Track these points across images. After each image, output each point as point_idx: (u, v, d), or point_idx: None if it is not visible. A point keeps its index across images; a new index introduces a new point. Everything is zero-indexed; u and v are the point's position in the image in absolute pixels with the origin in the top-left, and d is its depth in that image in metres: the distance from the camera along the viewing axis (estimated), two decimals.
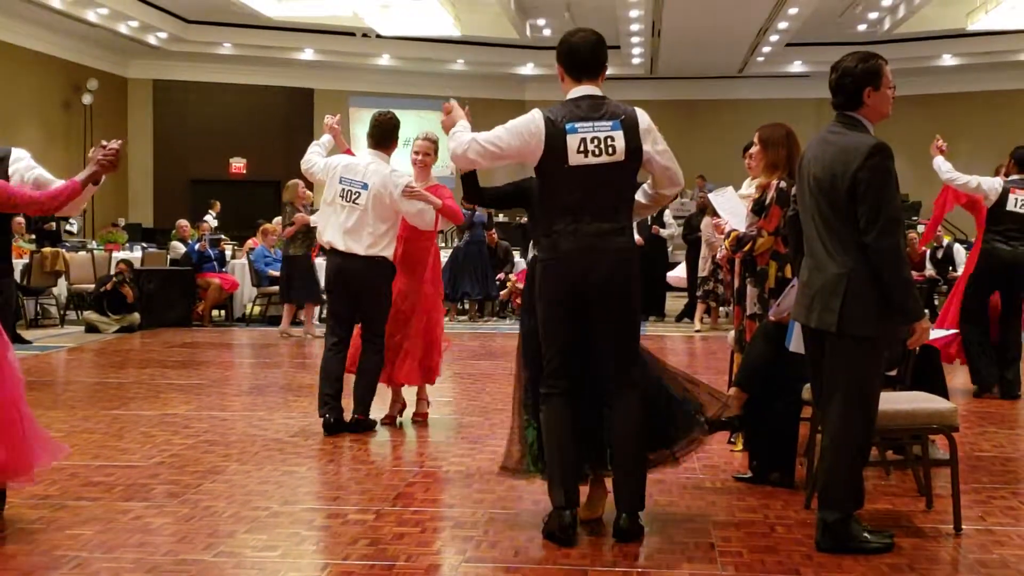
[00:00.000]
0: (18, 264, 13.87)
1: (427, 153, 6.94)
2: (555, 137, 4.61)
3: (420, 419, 7.44)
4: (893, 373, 5.39)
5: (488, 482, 5.72)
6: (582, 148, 4.57)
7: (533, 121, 4.69)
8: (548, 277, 4.69)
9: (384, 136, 6.96)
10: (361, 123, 22.95)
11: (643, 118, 4.67)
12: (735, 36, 21.55)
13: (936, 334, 5.66)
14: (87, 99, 21.73)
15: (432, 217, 6.74)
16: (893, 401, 4.88)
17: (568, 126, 4.61)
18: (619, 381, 4.70)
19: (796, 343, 4.93)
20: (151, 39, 21.94)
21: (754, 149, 6.11)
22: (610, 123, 4.59)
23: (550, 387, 4.70)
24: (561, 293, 4.65)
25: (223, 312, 15.28)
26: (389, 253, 6.89)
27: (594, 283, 4.58)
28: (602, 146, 4.57)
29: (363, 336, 7.03)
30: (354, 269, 6.82)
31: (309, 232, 12.31)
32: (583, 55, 4.72)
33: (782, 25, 20.42)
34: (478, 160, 4.79)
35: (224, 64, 23.91)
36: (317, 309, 13.34)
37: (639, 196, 4.92)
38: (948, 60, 22.89)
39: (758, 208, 5.97)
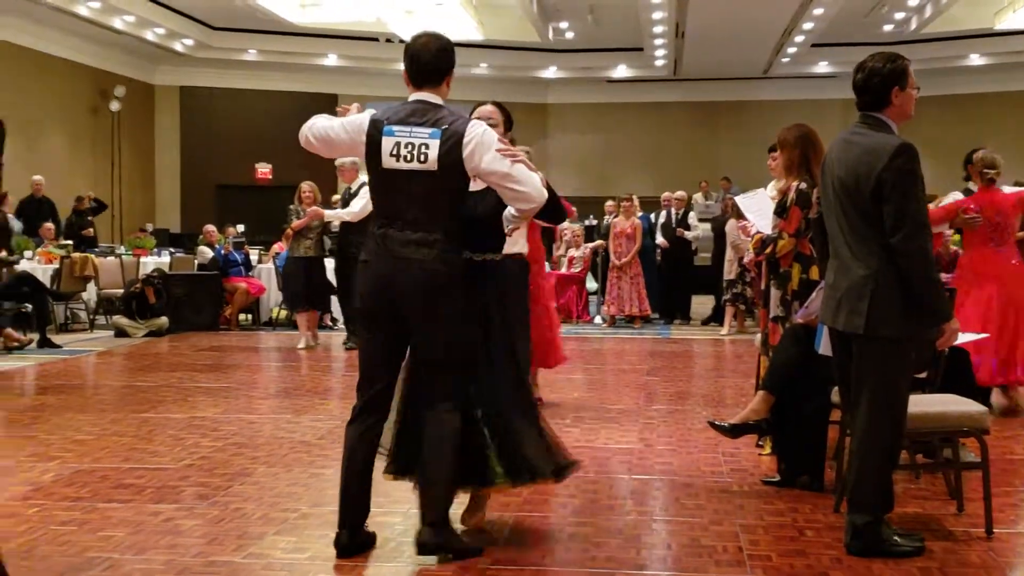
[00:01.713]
0: (48, 269, 14.00)
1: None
2: (373, 138, 4.50)
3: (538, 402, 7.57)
4: (923, 375, 5.36)
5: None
6: (395, 152, 4.44)
7: (360, 120, 4.59)
8: (361, 280, 4.61)
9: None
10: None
11: (472, 131, 4.43)
12: (760, 37, 21.47)
13: (965, 337, 5.61)
14: (114, 105, 21.86)
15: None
16: (923, 403, 4.85)
17: (386, 128, 4.49)
18: (430, 396, 4.55)
19: (825, 346, 4.92)
20: (177, 46, 22.06)
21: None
22: (429, 131, 4.43)
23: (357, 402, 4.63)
24: (371, 306, 4.56)
25: (250, 316, 15.35)
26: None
27: (401, 292, 4.45)
28: (415, 152, 4.42)
29: None
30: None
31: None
32: (422, 61, 4.57)
33: (807, 26, 20.34)
34: (313, 142, 4.67)
35: (249, 70, 24.02)
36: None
37: (506, 213, 4.64)
38: (975, 60, 22.74)
39: (779, 210, 5.98)
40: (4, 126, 3.34)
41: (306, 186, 12.18)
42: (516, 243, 6.22)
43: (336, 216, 11.62)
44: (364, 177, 4.71)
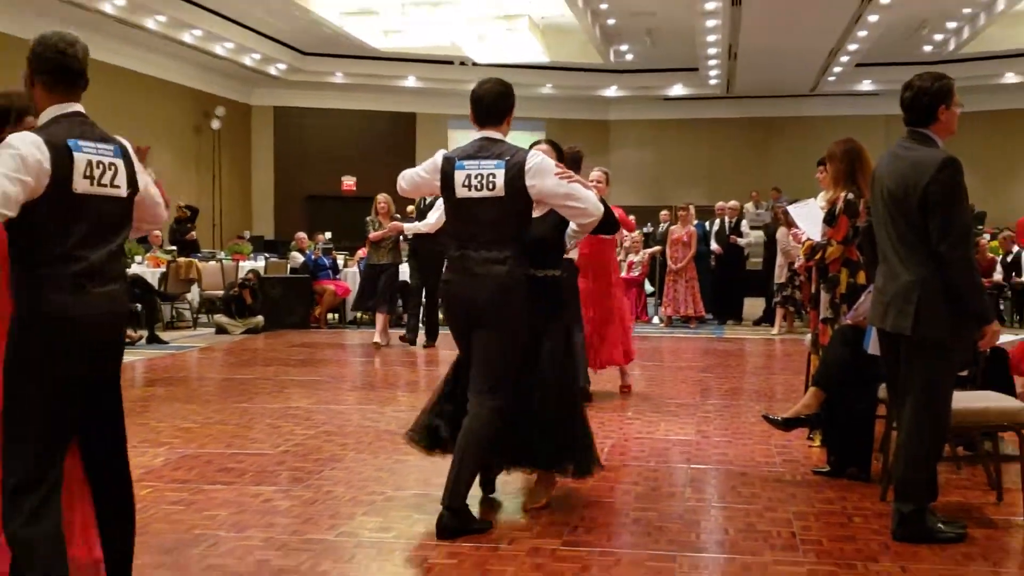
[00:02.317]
0: (155, 272, 14.24)
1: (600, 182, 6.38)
2: (447, 173, 4.73)
3: (626, 391, 8.52)
4: (965, 373, 5.29)
5: None
6: (466, 183, 4.66)
7: (435, 160, 4.83)
8: (444, 301, 4.93)
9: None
10: (457, 143, 23.12)
11: (532, 160, 4.65)
12: (807, 57, 21.27)
13: (1005, 338, 5.53)
14: (215, 124, 22.19)
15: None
16: (965, 400, 4.79)
17: (457, 163, 4.72)
18: (478, 387, 4.68)
19: (874, 346, 4.87)
20: (272, 70, 22.35)
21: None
22: (495, 162, 4.64)
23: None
24: (453, 316, 4.84)
25: (337, 315, 15.49)
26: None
27: (476, 304, 4.66)
28: (484, 181, 4.63)
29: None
30: None
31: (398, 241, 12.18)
32: (484, 104, 4.78)
33: (852, 47, 20.12)
34: (405, 187, 5.03)
35: (336, 91, 24.25)
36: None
37: (568, 230, 5.04)
38: (1011, 78, 22.36)
39: (829, 218, 5.95)
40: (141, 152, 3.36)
41: (381, 198, 12.24)
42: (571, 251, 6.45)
43: (414, 228, 11.63)
44: (404, 185, 5.10)
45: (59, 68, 3.29)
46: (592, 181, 6.40)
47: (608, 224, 5.05)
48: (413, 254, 12.00)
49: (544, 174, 4.62)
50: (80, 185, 3.19)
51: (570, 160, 5.88)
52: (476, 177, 4.66)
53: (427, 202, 11.57)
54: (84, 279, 3.20)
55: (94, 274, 3.23)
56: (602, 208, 4.81)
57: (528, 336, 4.81)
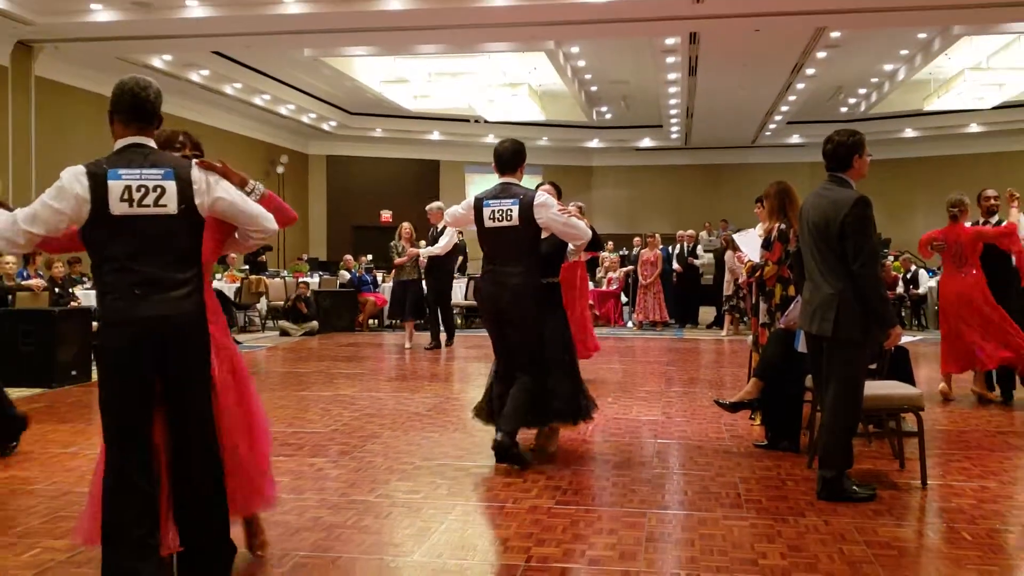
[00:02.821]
0: (232, 287, 14.25)
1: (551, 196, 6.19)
2: (478, 209, 5.20)
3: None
4: (874, 367, 5.27)
5: (570, 447, 5.71)
6: (492, 216, 5.12)
7: (469, 201, 5.31)
8: (478, 301, 5.34)
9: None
10: (474, 185, 23.15)
11: (539, 198, 5.08)
12: (748, 116, 21.30)
13: (906, 338, 5.49)
14: (280, 170, 22.21)
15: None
16: (874, 388, 4.77)
17: (485, 202, 5.17)
18: (515, 368, 5.15)
19: (802, 345, 4.86)
20: (325, 126, 22.39)
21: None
22: (512, 201, 5.06)
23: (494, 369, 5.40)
24: (485, 312, 5.28)
25: (376, 321, 15.48)
26: None
27: (501, 307, 5.11)
28: (504, 215, 5.07)
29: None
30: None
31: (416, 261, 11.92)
32: (503, 159, 5.20)
33: (784, 108, 20.15)
34: (449, 220, 5.55)
35: (376, 143, 24.28)
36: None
37: (569, 248, 5.47)
38: (909, 133, 22.37)
39: (765, 244, 5.94)
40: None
41: (406, 225, 11.98)
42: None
43: (428, 252, 11.51)
44: (448, 218, 5.57)
45: (132, 108, 3.10)
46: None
47: (595, 244, 5.41)
48: (428, 272, 11.86)
49: (547, 208, 5.05)
50: (118, 208, 2.98)
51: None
52: (498, 211, 5.10)
53: (438, 230, 11.50)
54: (140, 287, 2.98)
55: (150, 283, 2.99)
56: (590, 232, 5.22)
57: (542, 325, 5.17)
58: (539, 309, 5.10)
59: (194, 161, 3.17)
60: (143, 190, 3.01)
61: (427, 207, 11.57)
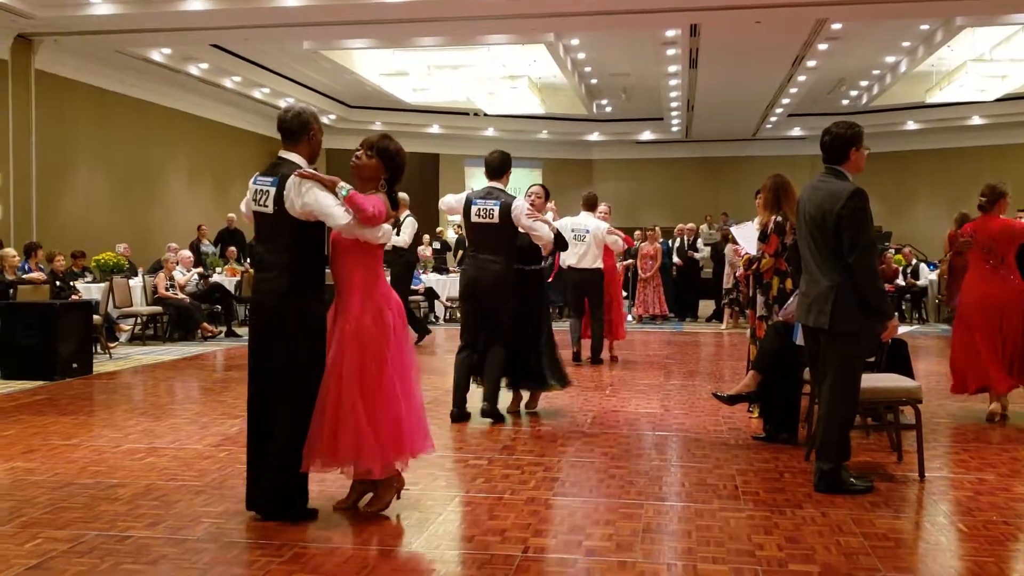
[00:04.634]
0: (232, 280, 14.25)
1: (539, 196, 6.63)
2: (467, 205, 6.16)
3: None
4: (872, 359, 5.30)
5: (568, 438, 5.75)
6: (478, 213, 6.10)
7: (463, 196, 6.28)
8: (461, 283, 6.30)
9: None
10: (474, 178, 23.14)
11: (516, 204, 6.02)
12: (749, 109, 21.26)
13: (903, 330, 5.51)
14: None
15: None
16: (873, 380, 4.80)
17: (474, 200, 6.16)
18: (492, 340, 6.14)
19: (800, 338, 4.88)
20: (324, 119, 22.30)
21: None
22: (494, 203, 6.04)
23: (461, 342, 6.27)
24: (467, 290, 6.20)
25: None
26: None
27: (481, 289, 6.07)
28: (488, 213, 6.05)
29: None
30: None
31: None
32: (492, 167, 6.20)
33: (785, 100, 20.10)
34: (443, 207, 6.41)
35: None
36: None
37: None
38: (911, 125, 22.31)
39: (762, 237, 5.95)
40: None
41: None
42: (596, 261, 9.11)
43: (393, 242, 11.27)
44: (443, 205, 6.45)
45: (280, 128, 4.09)
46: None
47: (560, 244, 6.36)
48: (387, 265, 11.58)
49: (520, 211, 6.01)
50: (249, 206, 4.03)
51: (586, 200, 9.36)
52: (483, 210, 6.10)
53: (400, 220, 11.30)
54: (257, 267, 4.09)
55: (261, 265, 4.01)
56: (551, 235, 6.09)
57: (518, 305, 6.16)
58: (512, 292, 6.09)
59: (296, 172, 3.88)
60: (261, 194, 3.96)
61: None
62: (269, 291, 3.92)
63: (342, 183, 3.91)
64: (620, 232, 9.74)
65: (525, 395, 6.61)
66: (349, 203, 3.86)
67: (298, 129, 4.04)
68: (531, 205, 6.25)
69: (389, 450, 3.94)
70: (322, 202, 3.84)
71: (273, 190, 3.90)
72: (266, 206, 3.91)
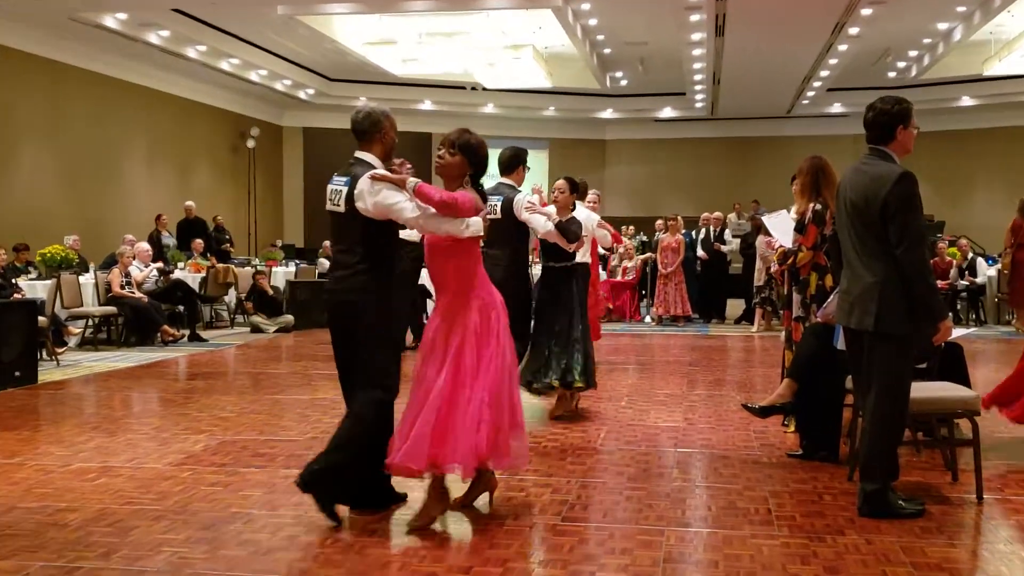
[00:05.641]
0: (196, 277, 14.26)
1: (562, 191, 7.06)
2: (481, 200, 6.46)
3: None
4: (923, 366, 5.29)
5: (578, 455, 5.75)
6: (490, 210, 6.05)
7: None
8: None
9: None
10: None
11: (516, 199, 6.38)
12: (784, 82, 21.27)
13: (958, 332, 5.47)
14: (251, 144, 22.21)
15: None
16: (924, 390, 4.79)
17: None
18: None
19: (841, 342, 4.88)
20: (301, 94, 22.37)
21: None
22: (498, 198, 6.35)
23: None
24: None
25: None
26: None
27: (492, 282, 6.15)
28: (492, 210, 6.15)
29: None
30: None
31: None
32: (502, 164, 6.56)
33: (824, 73, 20.11)
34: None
35: None
36: None
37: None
38: (967, 101, 22.31)
39: (799, 227, 5.96)
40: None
41: None
42: (585, 255, 8.36)
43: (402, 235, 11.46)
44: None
45: (353, 130, 4.56)
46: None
47: (567, 235, 6.54)
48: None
49: (520, 206, 6.39)
50: (327, 205, 4.47)
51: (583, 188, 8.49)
52: (490, 206, 6.02)
53: None
54: (332, 266, 4.61)
55: (335, 264, 4.55)
56: (548, 227, 6.46)
57: (549, 303, 6.91)
58: (522, 286, 6.50)
59: (368, 174, 4.32)
60: (335, 193, 4.44)
61: None
62: (340, 289, 4.44)
63: (411, 179, 4.32)
64: (609, 226, 9.68)
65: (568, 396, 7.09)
66: (417, 195, 4.27)
67: (369, 129, 4.53)
68: (555, 201, 6.91)
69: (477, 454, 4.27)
70: (391, 198, 4.31)
71: (345, 189, 4.38)
72: (339, 205, 4.40)
